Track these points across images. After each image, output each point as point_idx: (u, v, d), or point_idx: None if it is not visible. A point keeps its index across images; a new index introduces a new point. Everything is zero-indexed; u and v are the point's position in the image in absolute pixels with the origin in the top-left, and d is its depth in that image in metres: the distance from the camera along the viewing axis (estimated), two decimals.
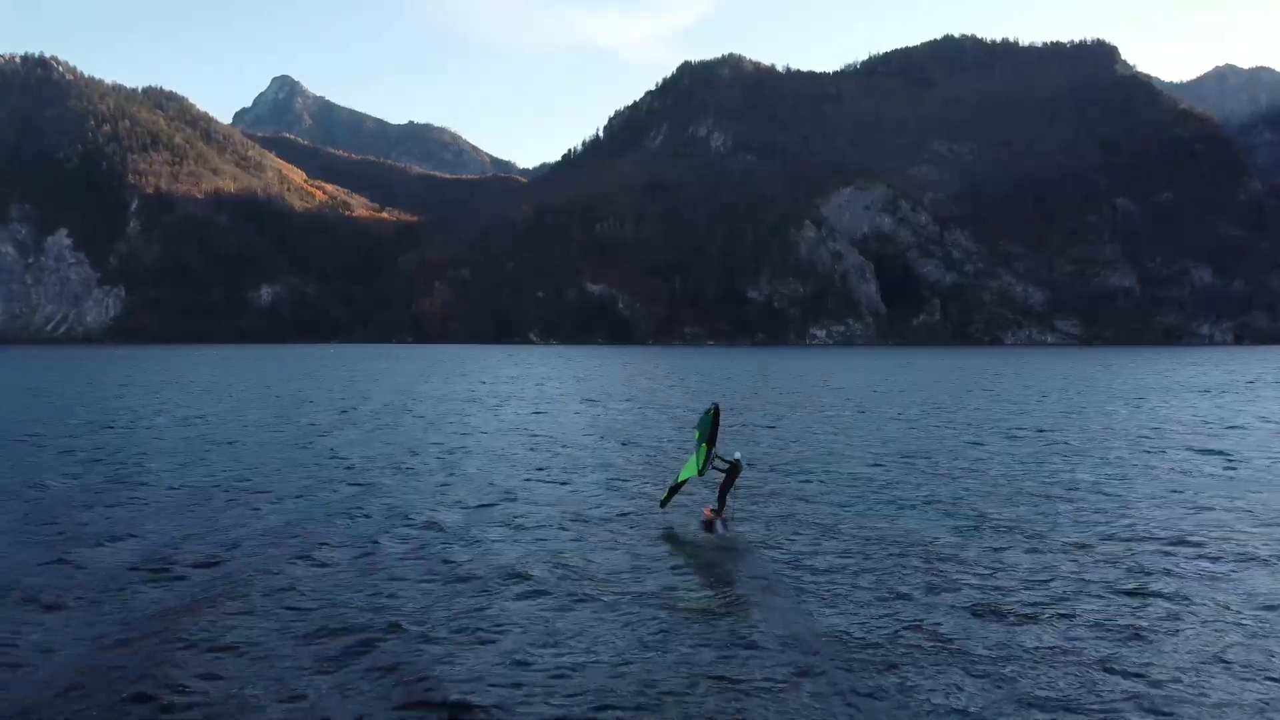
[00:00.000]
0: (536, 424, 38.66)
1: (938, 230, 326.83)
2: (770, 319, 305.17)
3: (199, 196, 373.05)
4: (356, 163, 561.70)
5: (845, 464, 26.69)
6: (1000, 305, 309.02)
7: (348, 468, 26.11)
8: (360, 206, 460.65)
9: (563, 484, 23.36)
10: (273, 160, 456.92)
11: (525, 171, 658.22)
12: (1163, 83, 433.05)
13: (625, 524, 18.65)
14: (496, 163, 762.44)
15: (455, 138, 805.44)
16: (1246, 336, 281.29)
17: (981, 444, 31.57)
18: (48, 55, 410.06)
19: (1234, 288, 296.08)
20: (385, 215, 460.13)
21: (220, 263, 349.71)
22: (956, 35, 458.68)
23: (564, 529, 18.08)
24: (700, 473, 17.90)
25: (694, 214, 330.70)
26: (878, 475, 24.65)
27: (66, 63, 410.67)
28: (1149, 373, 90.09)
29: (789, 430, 36.09)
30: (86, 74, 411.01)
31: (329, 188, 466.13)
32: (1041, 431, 35.28)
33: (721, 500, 18.04)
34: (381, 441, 32.46)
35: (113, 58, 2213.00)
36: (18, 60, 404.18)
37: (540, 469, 25.78)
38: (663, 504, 19.25)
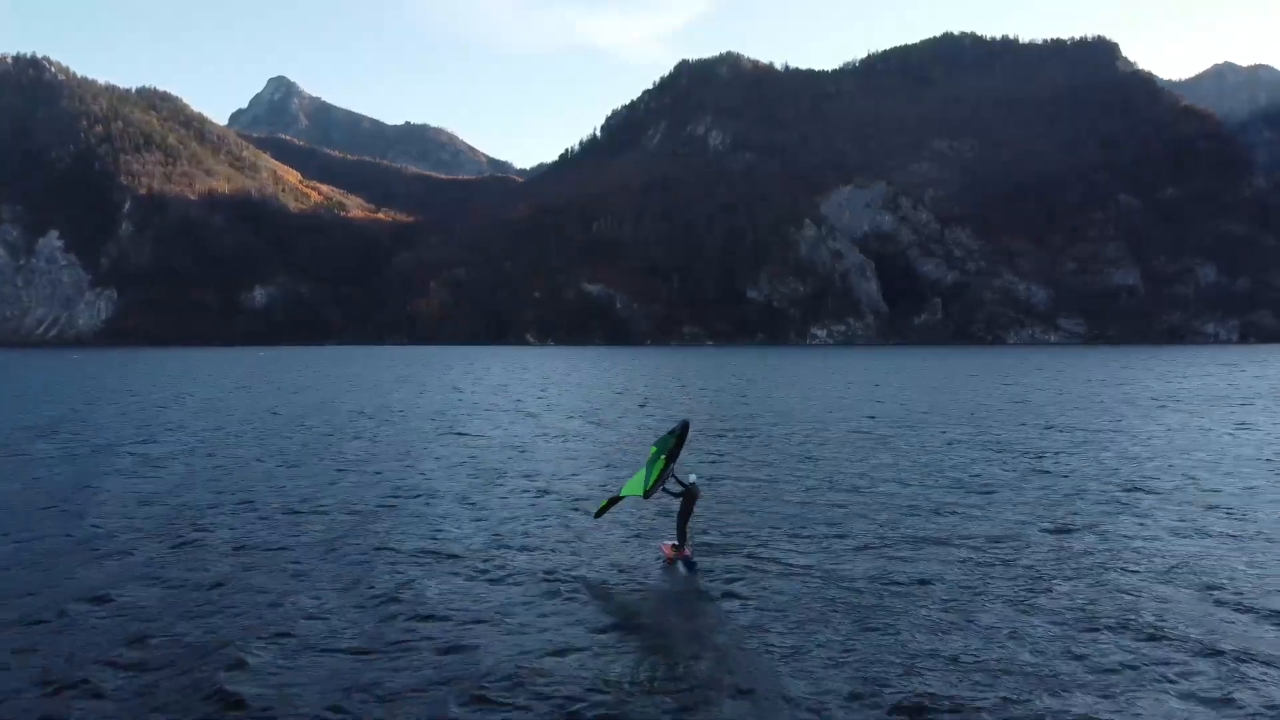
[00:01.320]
0: (439, 454, 30.10)
1: (939, 228, 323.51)
2: (770, 319, 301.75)
3: (192, 197, 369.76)
4: (353, 163, 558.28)
5: (849, 496, 22.24)
6: (1002, 304, 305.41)
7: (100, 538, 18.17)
8: (356, 207, 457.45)
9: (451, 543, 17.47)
10: (267, 161, 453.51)
11: (523, 172, 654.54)
12: (1162, 81, 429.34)
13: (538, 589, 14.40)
14: (494, 163, 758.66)
15: (452, 138, 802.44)
16: (1252, 335, 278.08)
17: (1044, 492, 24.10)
18: (40, 55, 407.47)
19: (1238, 286, 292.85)
20: (381, 216, 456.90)
21: (214, 264, 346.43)
22: (956, 33, 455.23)
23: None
24: (646, 494, 15.37)
25: (692, 213, 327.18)
26: (886, 511, 20.26)
27: (59, 63, 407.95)
28: (1182, 376, 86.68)
29: (779, 446, 32.07)
30: (80, 74, 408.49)
31: (324, 188, 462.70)
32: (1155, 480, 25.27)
33: (681, 534, 15.47)
34: (208, 478, 25.32)
35: (112, 58, 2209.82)
36: (9, 60, 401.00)
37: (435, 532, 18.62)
38: (597, 514, 17.06)
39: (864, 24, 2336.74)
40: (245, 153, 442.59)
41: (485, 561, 15.91)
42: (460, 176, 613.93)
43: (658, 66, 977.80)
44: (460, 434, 36.04)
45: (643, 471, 15.86)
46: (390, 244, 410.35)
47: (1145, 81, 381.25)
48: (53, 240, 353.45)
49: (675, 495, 15.61)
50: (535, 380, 79.98)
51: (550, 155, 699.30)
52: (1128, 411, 44.29)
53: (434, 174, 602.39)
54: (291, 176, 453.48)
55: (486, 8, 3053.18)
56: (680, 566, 15.29)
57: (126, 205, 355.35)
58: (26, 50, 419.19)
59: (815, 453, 29.57)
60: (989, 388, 65.01)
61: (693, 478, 15.71)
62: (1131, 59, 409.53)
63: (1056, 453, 29.51)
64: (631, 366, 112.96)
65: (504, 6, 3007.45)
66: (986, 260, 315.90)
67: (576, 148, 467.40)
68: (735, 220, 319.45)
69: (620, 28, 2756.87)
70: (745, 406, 48.16)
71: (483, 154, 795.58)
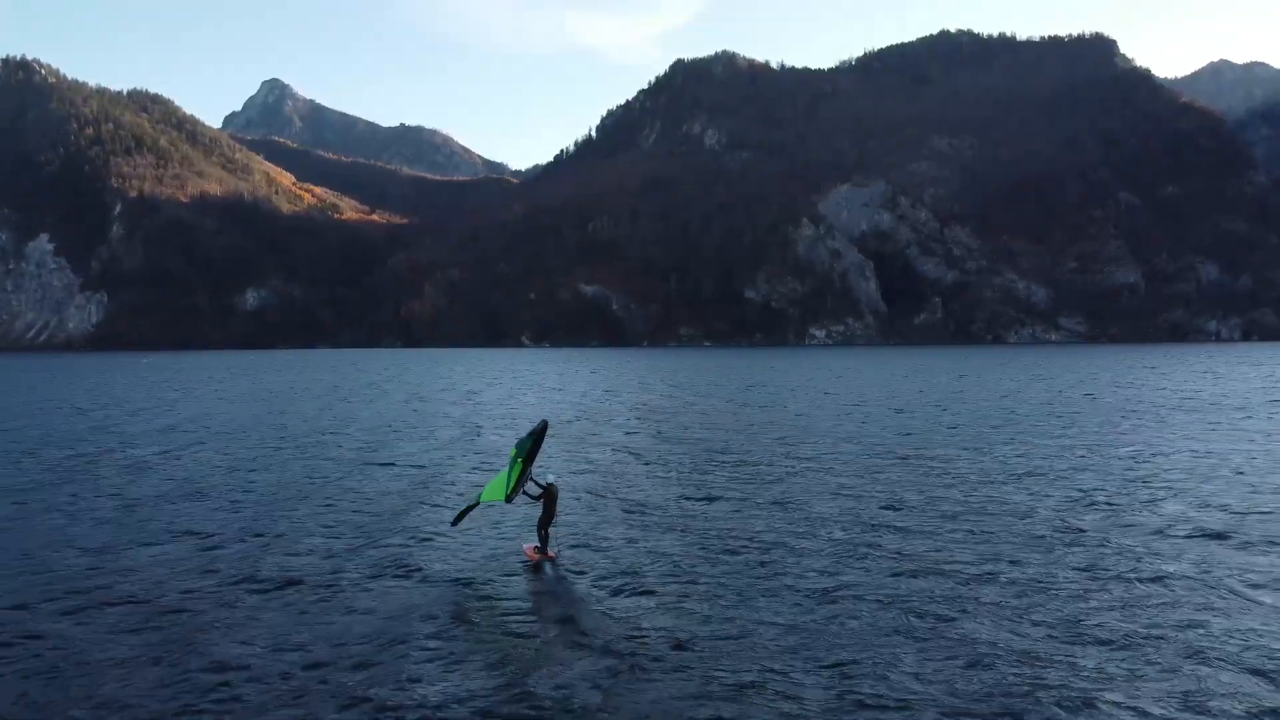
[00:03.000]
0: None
1: (938, 227, 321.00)
2: (768, 319, 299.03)
3: (184, 200, 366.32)
4: (347, 165, 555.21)
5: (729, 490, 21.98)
6: (1003, 303, 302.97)
7: None
8: (350, 209, 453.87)
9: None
10: (260, 163, 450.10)
11: (518, 173, 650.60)
12: (1159, 78, 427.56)
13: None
14: (489, 164, 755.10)
15: (447, 139, 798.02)
16: (1255, 333, 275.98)
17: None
18: (30, 57, 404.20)
19: (1240, 284, 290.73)
20: (376, 217, 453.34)
21: (206, 267, 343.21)
22: (953, 30, 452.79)
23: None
24: (508, 498, 15.18)
25: (689, 213, 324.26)
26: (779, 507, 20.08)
27: (49, 65, 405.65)
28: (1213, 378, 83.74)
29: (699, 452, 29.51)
30: (70, 76, 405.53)
31: (318, 190, 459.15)
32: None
33: (543, 536, 15.44)
34: None
35: (105, 60, 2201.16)
36: None
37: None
38: (454, 522, 16.44)
39: (860, 22, 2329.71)
40: (238, 155, 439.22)
41: (332, 586, 14.31)
42: (455, 178, 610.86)
43: (653, 67, 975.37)
44: (314, 452, 31.60)
45: (503, 475, 15.45)
46: (385, 246, 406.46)
47: (1144, 78, 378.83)
48: (43, 243, 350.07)
49: (535, 498, 15.48)
50: (479, 386, 73.60)
51: (546, 156, 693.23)
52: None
53: (429, 175, 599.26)
54: (285, 179, 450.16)
55: (480, 9, 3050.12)
56: (546, 568, 15.13)
57: (117, 208, 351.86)
58: (16, 52, 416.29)
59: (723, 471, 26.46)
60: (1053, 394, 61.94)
61: (551, 478, 16.06)
62: (1129, 56, 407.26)
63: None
64: (608, 370, 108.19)
65: (498, 7, 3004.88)
66: (986, 259, 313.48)
67: (572, 148, 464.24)
68: (732, 220, 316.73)
69: (615, 29, 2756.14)
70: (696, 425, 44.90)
71: (478, 155, 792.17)
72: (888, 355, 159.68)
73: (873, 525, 17.87)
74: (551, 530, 15.56)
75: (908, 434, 34.05)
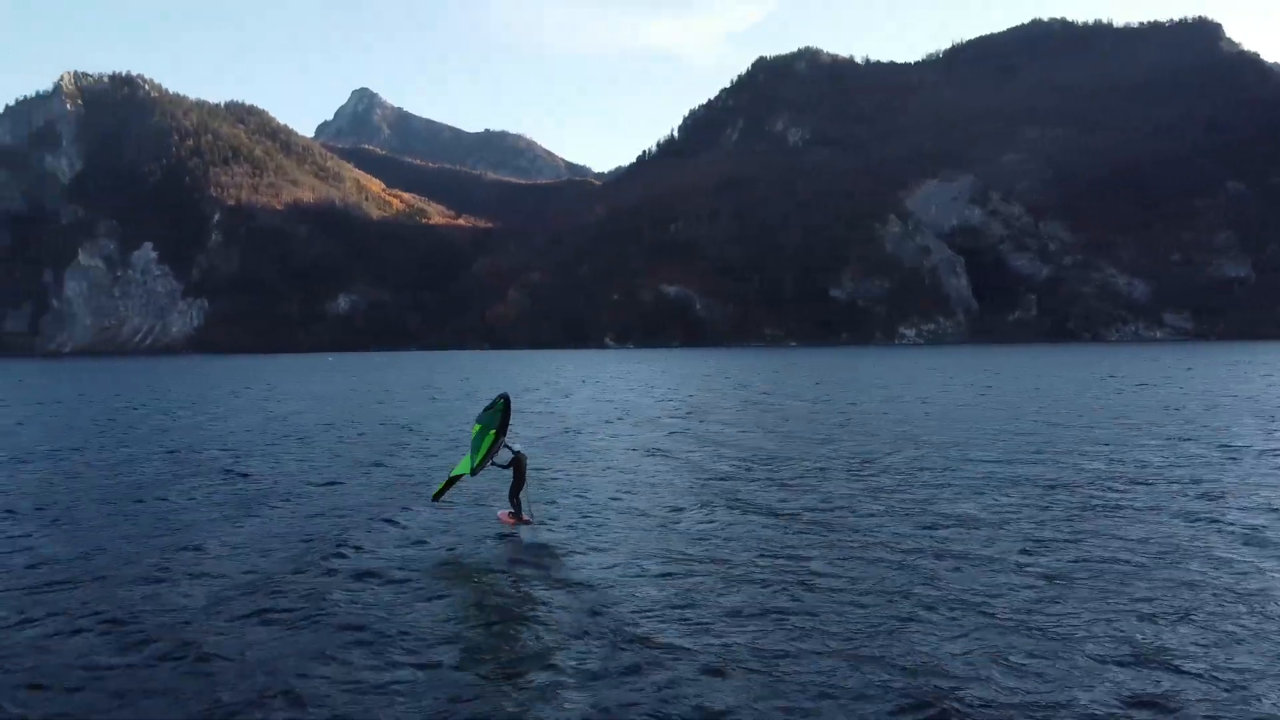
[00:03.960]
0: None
1: (1031, 221, 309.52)
2: (854, 318, 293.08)
3: (278, 208, 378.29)
4: (434, 171, 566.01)
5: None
6: (1101, 299, 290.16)
7: None
8: (437, 214, 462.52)
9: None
10: (351, 170, 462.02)
11: (600, 175, 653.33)
12: (1267, 62, 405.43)
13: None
14: (571, 167, 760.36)
15: (530, 144, 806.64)
16: None
17: None
18: (135, 74, 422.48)
19: None
20: (461, 222, 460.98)
21: (299, 272, 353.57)
22: (1045, 19, 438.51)
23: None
24: (473, 472, 15.65)
25: (771, 211, 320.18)
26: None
27: (152, 80, 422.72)
28: None
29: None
30: (171, 90, 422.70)
31: (406, 196, 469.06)
32: None
33: (516, 503, 15.85)
34: None
35: (209, 72, 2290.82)
36: (106, 80, 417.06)
37: None
38: (435, 497, 17.12)
39: (947, 14, 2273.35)
40: (329, 163, 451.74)
41: (324, 564, 14.12)
42: (538, 181, 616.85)
43: (735, 66, 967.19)
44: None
45: (469, 455, 15.94)
46: (470, 250, 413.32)
47: (1253, 62, 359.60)
48: (147, 252, 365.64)
49: (505, 467, 15.82)
50: (535, 384, 72.44)
51: (628, 158, 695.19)
52: None
53: (512, 179, 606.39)
54: (374, 185, 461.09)
55: (558, 16, 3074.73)
56: (521, 532, 15.56)
57: (216, 216, 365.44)
58: (121, 68, 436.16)
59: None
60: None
61: (517, 447, 16.02)
62: (1235, 40, 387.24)
63: None
64: (681, 368, 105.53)
65: (576, 14, 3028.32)
66: (1082, 253, 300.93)
67: (654, 149, 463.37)
68: (817, 217, 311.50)
69: (696, 29, 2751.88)
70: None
71: (560, 159, 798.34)
72: (984, 354, 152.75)
73: (962, 559, 13.75)
74: (524, 497, 15.81)
75: (1027, 436, 30.76)
